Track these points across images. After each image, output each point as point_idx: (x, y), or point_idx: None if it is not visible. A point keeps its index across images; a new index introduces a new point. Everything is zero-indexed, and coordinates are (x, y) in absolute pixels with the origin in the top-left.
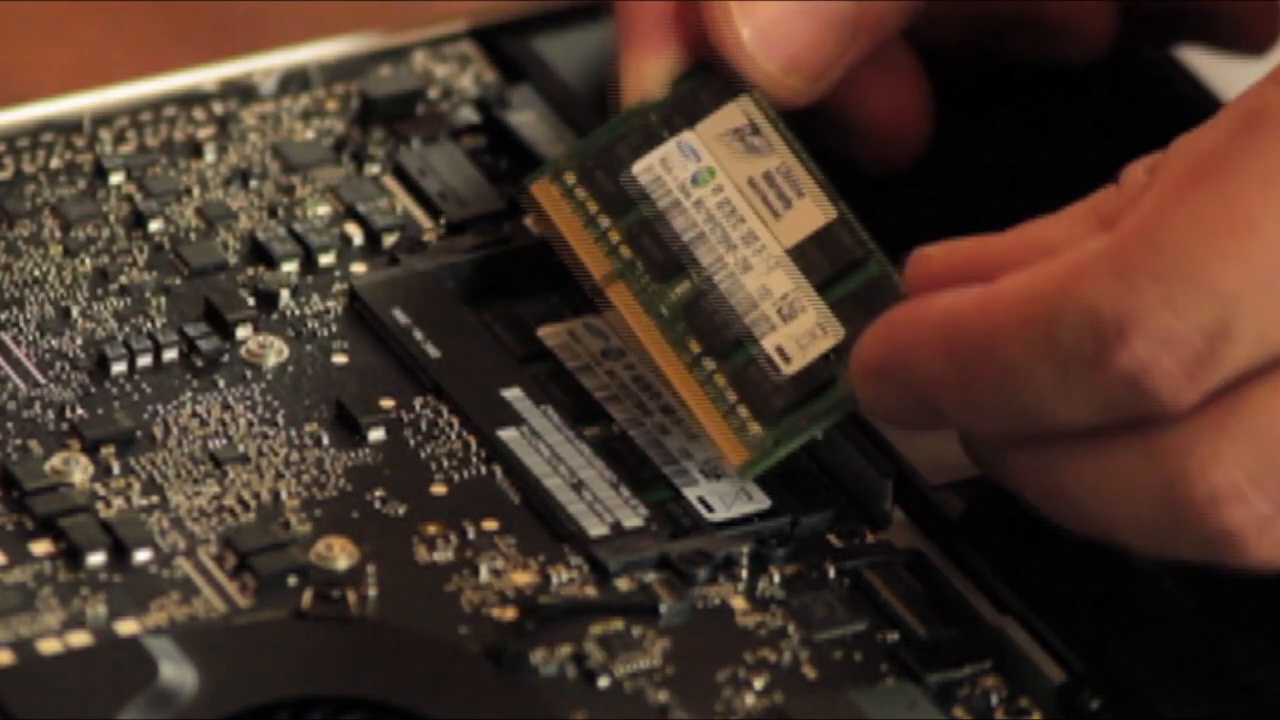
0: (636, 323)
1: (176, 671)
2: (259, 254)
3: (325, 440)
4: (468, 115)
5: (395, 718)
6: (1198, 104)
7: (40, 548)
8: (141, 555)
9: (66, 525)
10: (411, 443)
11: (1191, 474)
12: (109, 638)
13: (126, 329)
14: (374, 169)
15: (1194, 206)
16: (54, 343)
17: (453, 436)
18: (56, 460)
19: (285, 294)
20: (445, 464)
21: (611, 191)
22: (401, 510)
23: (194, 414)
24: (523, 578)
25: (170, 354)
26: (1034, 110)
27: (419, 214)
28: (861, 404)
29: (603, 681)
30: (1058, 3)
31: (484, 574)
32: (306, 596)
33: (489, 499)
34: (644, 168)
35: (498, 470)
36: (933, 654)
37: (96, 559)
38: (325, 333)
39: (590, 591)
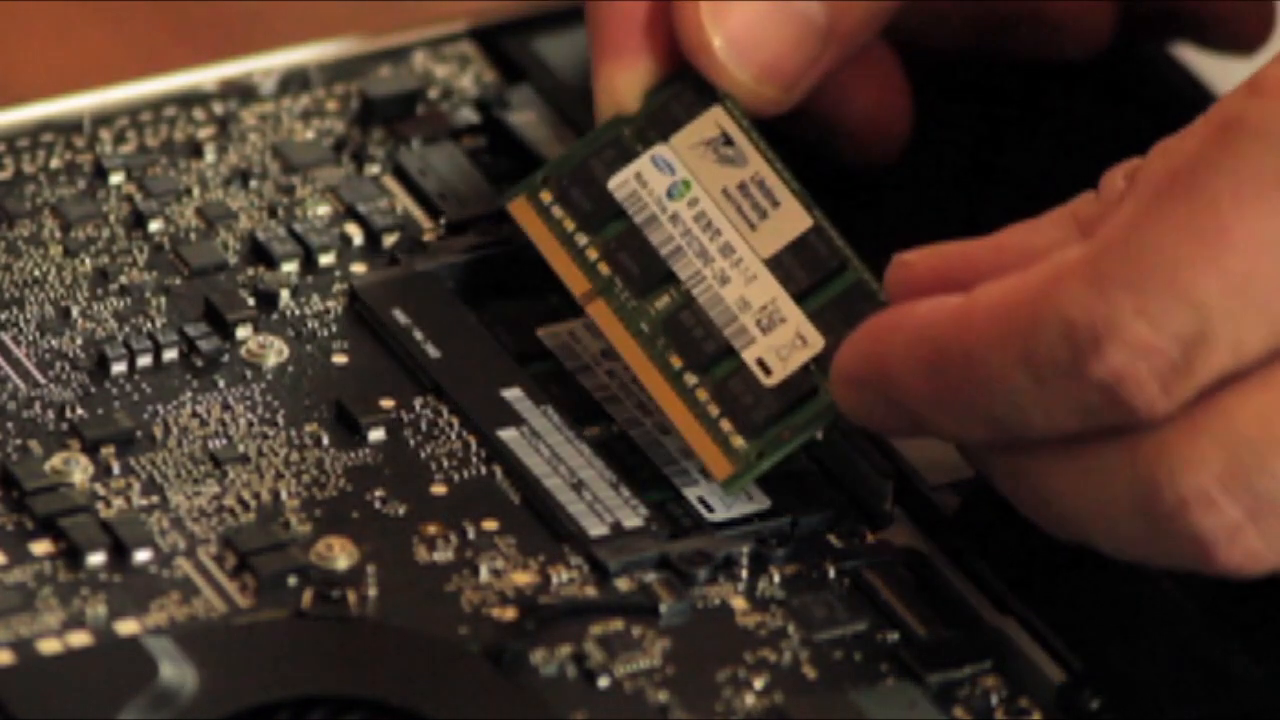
0: (617, 339)
1: (176, 671)
2: (259, 254)
3: (325, 440)
4: (468, 115)
5: (395, 718)
6: (1193, 102)
7: (40, 548)
8: (141, 555)
9: (66, 525)
10: (411, 443)
11: (1162, 480)
12: (109, 638)
13: (126, 329)
14: (374, 169)
15: (1168, 216)
16: (54, 343)
17: (453, 436)
18: (56, 460)
19: (285, 294)
20: (445, 464)
21: (588, 208)
22: (401, 510)
23: (194, 414)
24: (523, 578)
25: (170, 354)
26: (1026, 109)
27: (419, 214)
28: (843, 413)
29: (603, 681)
30: (1057, 2)
31: (484, 574)
32: (306, 596)
33: (489, 499)
34: (620, 182)
35: (498, 470)
36: (933, 654)
37: (96, 559)
38: (325, 333)
39: (590, 591)
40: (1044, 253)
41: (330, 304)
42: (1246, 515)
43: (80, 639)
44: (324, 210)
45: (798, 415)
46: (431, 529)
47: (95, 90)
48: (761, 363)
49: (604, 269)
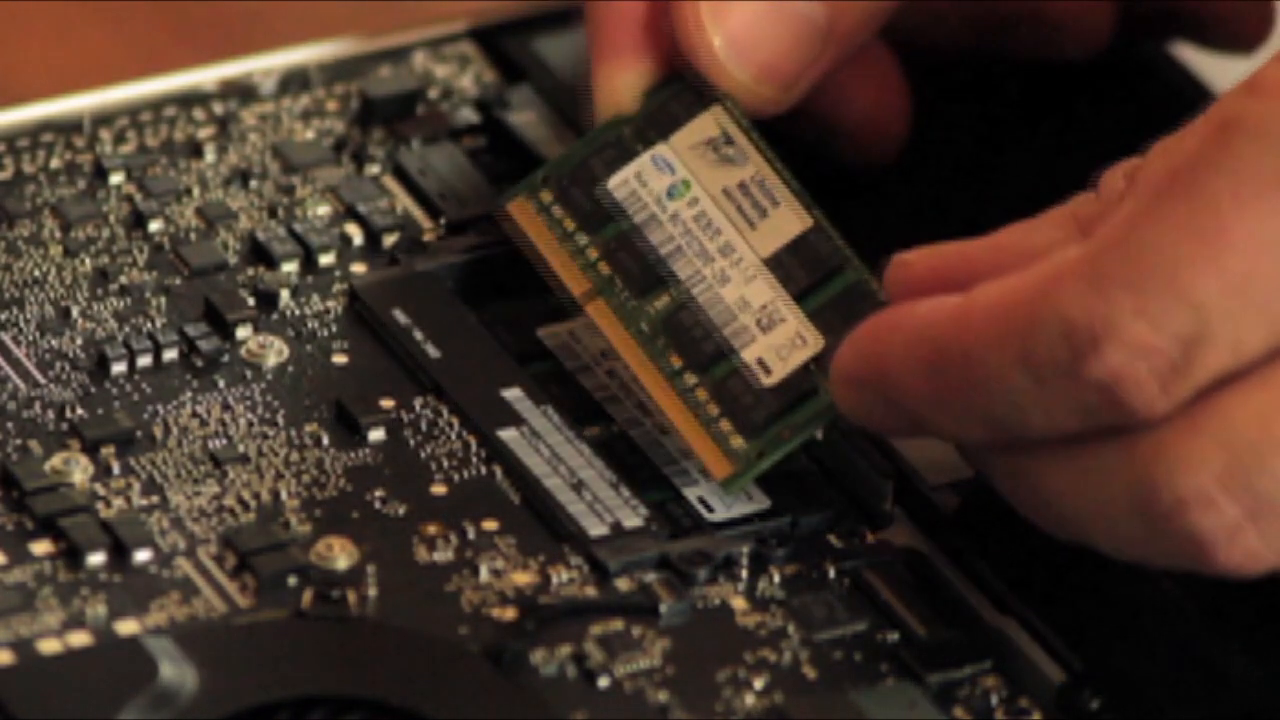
0: (617, 339)
1: (176, 671)
2: (259, 254)
3: (325, 440)
4: (468, 115)
5: (395, 718)
6: (1193, 102)
7: (40, 548)
8: (141, 555)
9: (66, 525)
10: (411, 443)
11: (1160, 480)
12: (109, 638)
13: (126, 329)
14: (374, 169)
15: (1167, 217)
16: (54, 343)
17: (453, 436)
18: (56, 460)
19: (285, 294)
20: (445, 464)
21: (587, 208)
22: (401, 510)
23: (194, 414)
24: (523, 578)
25: (170, 354)
26: (1026, 109)
27: (419, 214)
28: (842, 412)
29: (603, 681)
30: (1057, 2)
31: (484, 574)
32: (306, 596)
33: (489, 499)
34: (619, 182)
35: (498, 470)
36: (933, 654)
37: (96, 559)
38: (325, 333)
39: (590, 591)
40: (1043, 252)
41: (330, 304)
42: (1245, 515)
43: (80, 639)
44: (324, 210)
45: (797, 414)
46: (431, 529)
47: (95, 90)
48: (761, 362)
49: (604, 268)
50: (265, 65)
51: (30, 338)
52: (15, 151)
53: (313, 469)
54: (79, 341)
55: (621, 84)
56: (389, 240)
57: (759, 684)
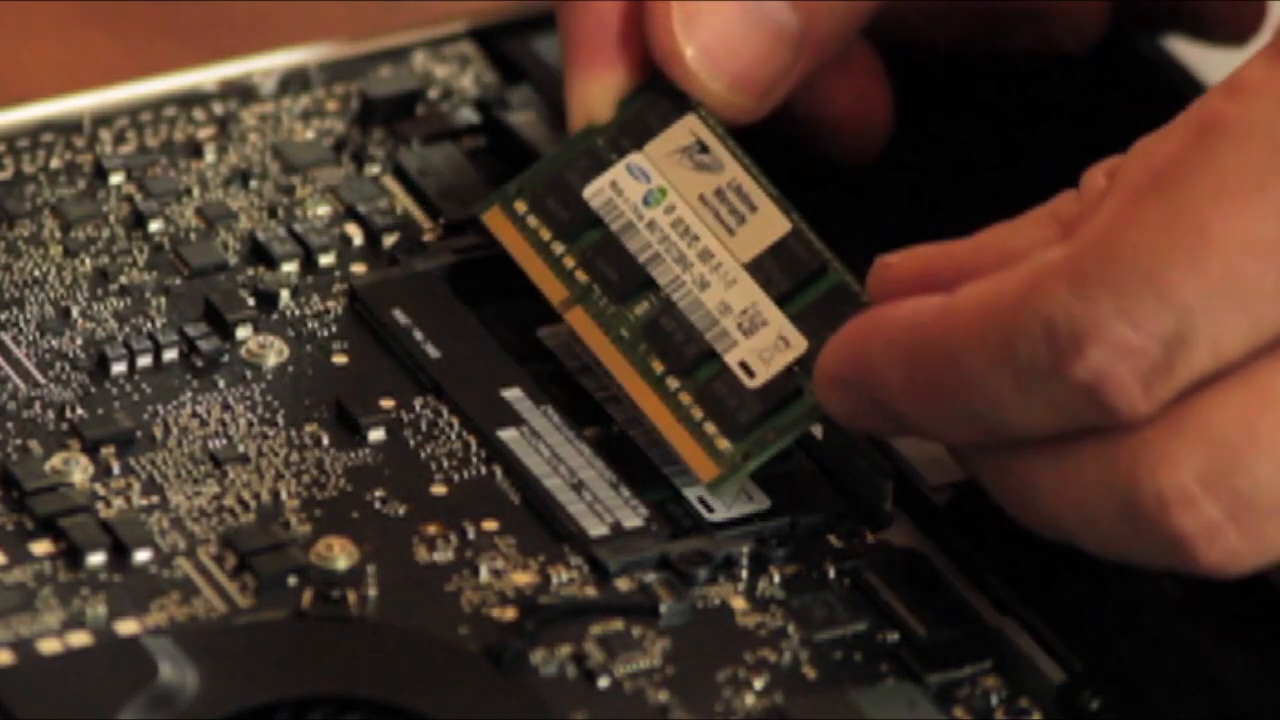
0: (598, 346)
1: (176, 671)
2: (259, 254)
3: (325, 440)
4: (468, 115)
5: (395, 718)
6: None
7: (40, 548)
8: (141, 555)
9: (66, 525)
10: (411, 443)
11: (1142, 479)
12: (109, 638)
13: (126, 329)
14: (374, 169)
15: (1148, 218)
16: (54, 343)
17: (453, 436)
18: (56, 460)
19: (285, 294)
20: (445, 464)
21: (564, 217)
22: (401, 510)
23: (194, 414)
24: (523, 578)
25: (170, 354)
26: (1018, 104)
27: (419, 214)
28: (827, 413)
29: (603, 681)
30: (1054, 1)
31: (484, 574)
32: (306, 596)
33: (489, 499)
34: (595, 191)
35: (498, 470)
36: (933, 654)
37: (96, 559)
38: (325, 333)
39: (590, 591)
40: (1025, 253)
41: (330, 304)
42: (1226, 514)
43: (80, 639)
44: (324, 210)
45: (783, 416)
46: (431, 529)
47: (95, 90)
48: (744, 365)
49: (581, 277)
50: (265, 65)
51: (30, 338)
52: (15, 151)
53: (313, 469)
54: (79, 341)
55: (595, 93)
56: (389, 240)
57: (759, 684)
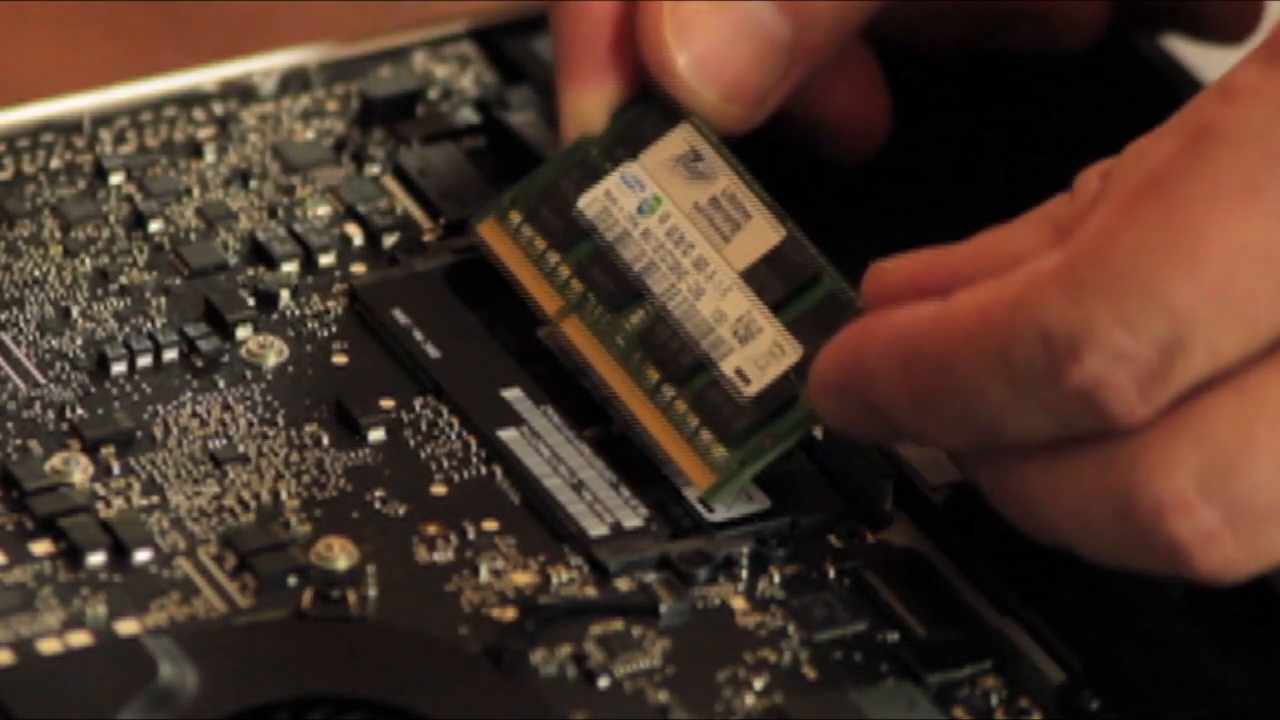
0: (593, 355)
1: (176, 671)
2: (259, 254)
3: (325, 440)
4: (468, 116)
5: (395, 718)
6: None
7: (40, 548)
8: (141, 555)
9: (66, 525)
10: (411, 443)
11: (1138, 485)
12: (109, 638)
13: (126, 329)
14: (374, 169)
15: (1143, 223)
16: (54, 343)
17: (453, 436)
18: (56, 460)
19: (285, 294)
20: (445, 464)
21: (559, 227)
22: (401, 510)
23: (194, 414)
24: (523, 578)
25: (170, 354)
26: (1016, 104)
27: (419, 214)
28: (822, 420)
29: (603, 681)
30: (1053, 1)
31: (484, 574)
32: (306, 596)
33: (489, 499)
34: (589, 201)
35: (498, 470)
36: (933, 654)
37: (96, 559)
38: (325, 333)
39: (590, 591)
40: (1019, 257)
41: (330, 304)
42: (1223, 520)
43: (80, 639)
44: (324, 210)
45: (778, 424)
46: (431, 529)
47: (95, 90)
48: (740, 373)
49: (576, 286)
50: (265, 65)
51: (30, 338)
52: (15, 151)
53: (313, 469)
54: (79, 341)
55: (589, 104)
56: (389, 240)
57: (759, 684)
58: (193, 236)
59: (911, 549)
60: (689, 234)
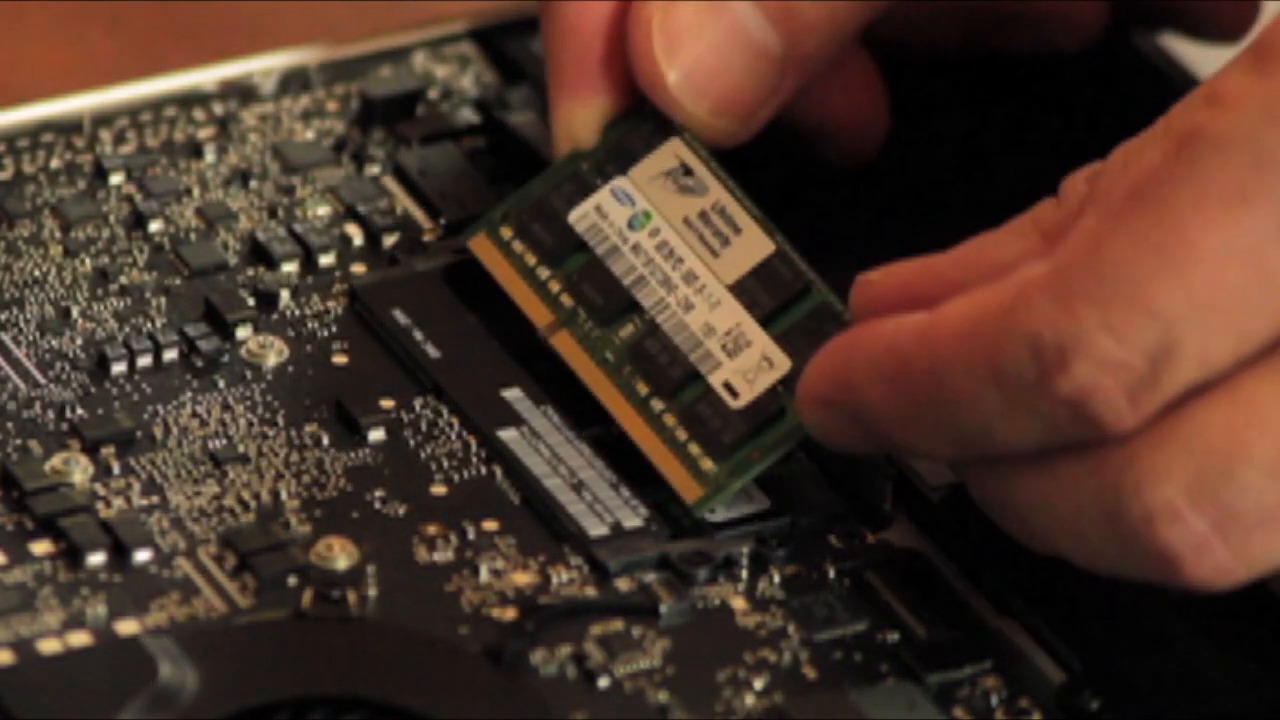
0: (582, 369)
1: (176, 671)
2: (259, 254)
3: (325, 440)
4: (468, 116)
5: (395, 718)
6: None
7: (40, 548)
8: (141, 555)
9: (66, 525)
10: (411, 443)
11: (1128, 493)
12: (109, 638)
13: (126, 329)
14: (374, 169)
15: (1132, 231)
16: (54, 343)
17: (453, 436)
18: (56, 460)
19: (285, 294)
20: (445, 464)
21: (549, 242)
22: (401, 510)
23: (194, 414)
24: (523, 578)
25: (170, 354)
26: (1014, 104)
27: (419, 214)
28: (810, 432)
29: (603, 681)
30: (1051, 1)
31: (484, 574)
32: (306, 596)
33: (489, 499)
34: (580, 215)
35: (498, 470)
36: (933, 654)
37: (96, 559)
38: (325, 333)
39: (590, 591)
40: (1007, 264)
41: (330, 304)
42: (1213, 528)
43: (80, 639)
44: (324, 210)
45: (766, 436)
46: (431, 529)
47: (95, 90)
48: (728, 386)
49: (567, 300)
50: (265, 65)
51: (30, 338)
52: (15, 151)
53: (313, 469)
54: (79, 341)
55: (580, 118)
56: (389, 240)
57: (759, 684)
58: (193, 236)
59: (911, 549)
60: (679, 248)
